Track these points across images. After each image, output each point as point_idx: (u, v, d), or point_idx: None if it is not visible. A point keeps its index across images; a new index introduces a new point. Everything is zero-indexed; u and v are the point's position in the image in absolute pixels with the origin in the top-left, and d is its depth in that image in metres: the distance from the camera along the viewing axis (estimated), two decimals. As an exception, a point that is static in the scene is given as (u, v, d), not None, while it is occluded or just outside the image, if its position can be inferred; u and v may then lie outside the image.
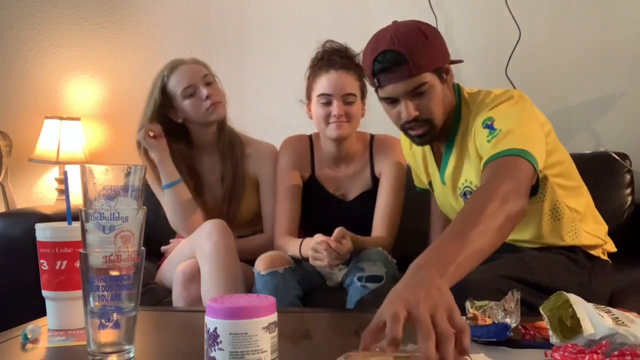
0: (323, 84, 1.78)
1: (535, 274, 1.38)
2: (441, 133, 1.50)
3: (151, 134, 1.88)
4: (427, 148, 1.64)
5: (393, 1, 2.61)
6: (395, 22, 1.46)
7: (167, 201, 1.91)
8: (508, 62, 2.48)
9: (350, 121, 1.80)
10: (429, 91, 1.42)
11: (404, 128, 1.50)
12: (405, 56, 1.38)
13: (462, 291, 1.20)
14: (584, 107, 2.46)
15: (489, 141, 1.33)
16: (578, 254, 1.49)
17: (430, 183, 1.69)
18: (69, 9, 2.92)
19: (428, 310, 0.77)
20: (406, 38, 1.39)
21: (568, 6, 2.49)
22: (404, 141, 1.77)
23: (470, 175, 1.49)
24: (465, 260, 0.95)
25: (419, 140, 1.52)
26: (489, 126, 1.37)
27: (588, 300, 0.92)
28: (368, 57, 1.44)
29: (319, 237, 1.64)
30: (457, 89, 1.54)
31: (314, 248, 1.63)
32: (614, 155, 2.22)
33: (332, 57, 1.80)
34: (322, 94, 1.78)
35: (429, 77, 1.42)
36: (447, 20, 2.57)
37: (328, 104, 1.79)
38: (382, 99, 1.48)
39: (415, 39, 1.40)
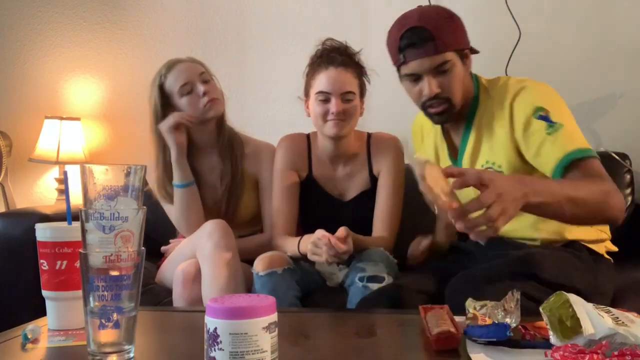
0: (322, 81, 1.77)
1: (543, 270, 1.38)
2: (458, 117, 1.55)
3: (184, 121, 1.86)
4: (440, 140, 1.66)
5: (393, 1, 2.61)
6: (420, 5, 1.53)
7: (177, 200, 1.91)
8: (508, 62, 2.48)
9: (348, 119, 1.78)
10: (452, 70, 1.48)
11: (424, 106, 1.54)
12: (432, 33, 1.44)
13: (470, 286, 1.21)
14: (584, 107, 2.45)
15: (549, 134, 1.39)
16: (582, 252, 1.50)
17: None
18: (69, 9, 2.92)
19: (501, 206, 1.05)
20: (433, 16, 1.47)
21: (568, 6, 2.48)
22: (416, 135, 1.79)
23: (493, 156, 1.51)
24: (547, 205, 1.18)
25: (438, 118, 1.55)
26: (544, 117, 1.41)
27: (594, 297, 0.92)
28: (395, 33, 1.50)
29: (320, 232, 1.64)
30: (475, 78, 1.59)
31: (314, 242, 1.63)
32: (614, 155, 2.21)
33: (331, 55, 1.79)
34: (321, 92, 1.77)
35: (452, 56, 1.48)
36: (447, 20, 2.56)
37: (326, 101, 1.77)
38: (405, 76, 1.52)
39: (441, 18, 1.48)
